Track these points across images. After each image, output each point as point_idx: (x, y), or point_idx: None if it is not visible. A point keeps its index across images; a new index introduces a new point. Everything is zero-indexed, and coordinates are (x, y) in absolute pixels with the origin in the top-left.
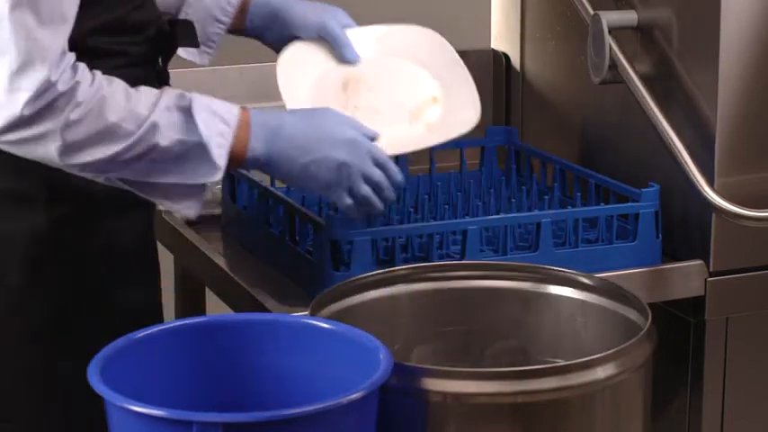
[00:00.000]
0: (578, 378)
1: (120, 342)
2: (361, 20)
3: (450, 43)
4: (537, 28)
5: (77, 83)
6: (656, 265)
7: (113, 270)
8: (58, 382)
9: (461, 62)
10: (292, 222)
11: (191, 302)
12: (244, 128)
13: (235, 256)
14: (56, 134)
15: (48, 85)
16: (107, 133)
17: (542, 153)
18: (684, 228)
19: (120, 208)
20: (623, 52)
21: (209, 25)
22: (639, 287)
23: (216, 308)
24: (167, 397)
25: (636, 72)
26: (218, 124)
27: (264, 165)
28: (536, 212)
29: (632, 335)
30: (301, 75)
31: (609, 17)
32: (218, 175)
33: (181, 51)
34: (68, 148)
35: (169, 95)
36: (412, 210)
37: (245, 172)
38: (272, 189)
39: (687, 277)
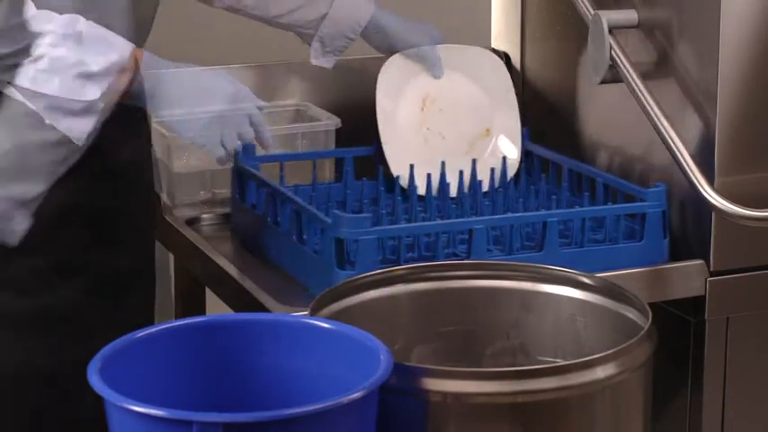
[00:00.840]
0: (578, 378)
1: (119, 342)
2: None
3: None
4: (537, 27)
5: None
6: (657, 265)
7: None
8: (39, 369)
9: (514, 95)
10: (299, 221)
11: (191, 302)
12: (131, 62)
13: (235, 256)
14: None
15: None
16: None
17: (552, 153)
18: (684, 228)
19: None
20: (623, 52)
21: (338, 39)
22: (640, 287)
23: (216, 308)
24: (167, 397)
25: (636, 71)
26: (108, 52)
27: (149, 101)
28: (542, 212)
29: (632, 335)
30: (395, 87)
31: (609, 16)
32: (96, 95)
33: (312, 59)
34: None
35: (64, 18)
36: (420, 208)
37: (249, 168)
38: (280, 188)
39: (687, 277)
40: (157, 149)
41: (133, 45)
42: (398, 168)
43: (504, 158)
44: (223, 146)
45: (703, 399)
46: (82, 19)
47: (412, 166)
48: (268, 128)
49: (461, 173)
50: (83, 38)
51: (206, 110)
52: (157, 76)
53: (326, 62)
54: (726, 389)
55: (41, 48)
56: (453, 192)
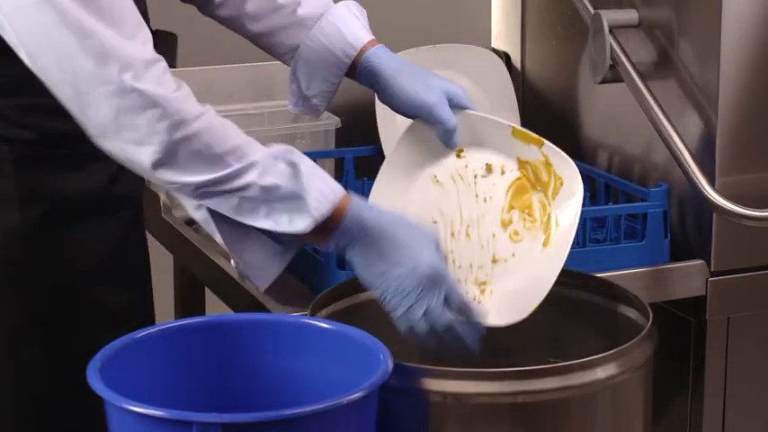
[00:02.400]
0: (579, 378)
1: (119, 342)
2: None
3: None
4: (537, 27)
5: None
6: (657, 265)
7: (91, 271)
8: (34, 380)
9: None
10: None
11: (191, 302)
12: (342, 202)
13: None
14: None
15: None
16: (210, 158)
17: None
18: (685, 227)
19: (100, 211)
20: (624, 51)
21: (316, 80)
22: (640, 287)
23: (216, 308)
24: (167, 397)
25: (636, 71)
26: (320, 184)
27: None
28: None
29: (633, 335)
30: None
31: (609, 16)
32: (309, 226)
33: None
34: (166, 160)
35: (279, 147)
36: None
37: None
38: None
39: (688, 277)
40: None
41: (344, 191)
42: None
43: None
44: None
45: (704, 399)
46: (296, 152)
47: None
48: (478, 315)
49: None
50: (296, 170)
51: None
52: (359, 226)
53: (307, 110)
54: (726, 389)
55: (250, 175)
56: None
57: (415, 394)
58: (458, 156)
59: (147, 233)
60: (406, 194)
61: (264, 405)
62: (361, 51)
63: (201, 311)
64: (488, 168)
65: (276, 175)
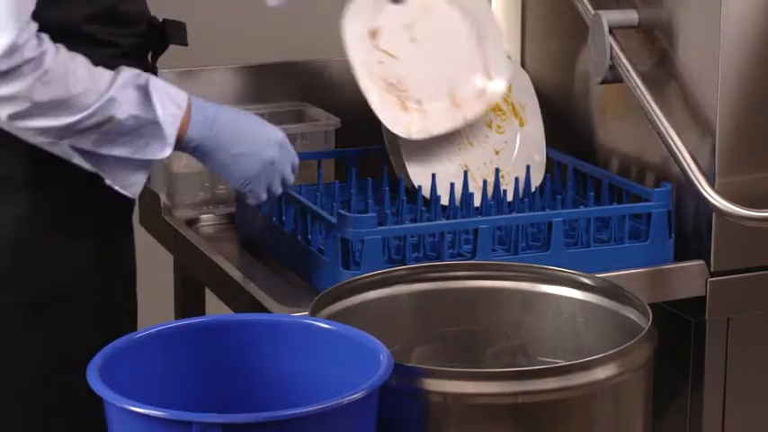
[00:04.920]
0: (579, 378)
1: (120, 342)
2: None
3: None
4: (537, 27)
5: (44, 51)
6: (657, 265)
7: (98, 256)
8: (39, 367)
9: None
10: (304, 221)
11: (191, 302)
12: (186, 113)
13: (235, 257)
14: (17, 99)
15: (14, 48)
16: (67, 103)
17: (557, 153)
18: (685, 228)
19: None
20: (624, 52)
21: None
22: (640, 287)
23: (216, 308)
24: (167, 397)
25: (636, 71)
26: (170, 106)
27: (197, 149)
28: (548, 212)
29: (633, 335)
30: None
31: (610, 17)
32: (167, 153)
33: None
34: (27, 113)
35: (127, 73)
36: (424, 208)
37: None
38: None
39: (688, 277)
40: None
41: (187, 95)
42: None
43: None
44: (268, 191)
45: (704, 399)
46: (142, 74)
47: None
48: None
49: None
50: (147, 98)
51: (256, 156)
52: (205, 121)
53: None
54: (726, 389)
55: (107, 113)
56: (458, 195)
57: (415, 394)
58: None
59: (148, 233)
60: None
61: (264, 405)
62: None
63: (201, 312)
64: None
65: (132, 106)
